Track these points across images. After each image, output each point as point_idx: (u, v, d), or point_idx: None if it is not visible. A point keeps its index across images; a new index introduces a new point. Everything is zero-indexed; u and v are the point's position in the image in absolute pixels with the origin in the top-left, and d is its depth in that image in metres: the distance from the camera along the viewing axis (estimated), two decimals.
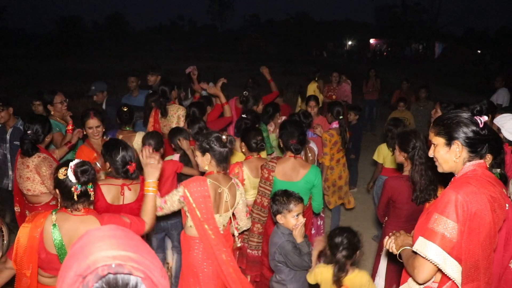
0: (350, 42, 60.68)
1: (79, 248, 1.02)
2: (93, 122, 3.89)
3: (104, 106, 5.89)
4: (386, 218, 3.54)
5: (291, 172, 3.56)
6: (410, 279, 2.15)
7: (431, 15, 48.46)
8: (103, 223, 2.39)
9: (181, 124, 4.92)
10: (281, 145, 3.70)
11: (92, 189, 2.38)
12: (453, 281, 1.91)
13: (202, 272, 2.97)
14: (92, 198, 2.41)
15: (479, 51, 39.43)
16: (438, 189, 3.21)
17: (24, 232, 2.28)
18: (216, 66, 26.58)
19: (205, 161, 2.93)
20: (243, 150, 3.90)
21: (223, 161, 2.96)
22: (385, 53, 47.19)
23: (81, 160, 2.39)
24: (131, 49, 43.99)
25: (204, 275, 2.97)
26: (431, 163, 3.17)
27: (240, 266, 3.49)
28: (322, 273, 2.86)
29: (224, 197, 2.97)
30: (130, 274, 0.94)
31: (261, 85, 6.60)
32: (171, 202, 2.85)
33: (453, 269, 1.87)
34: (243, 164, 3.76)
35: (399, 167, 3.79)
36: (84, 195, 2.34)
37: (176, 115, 5.09)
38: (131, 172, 3.08)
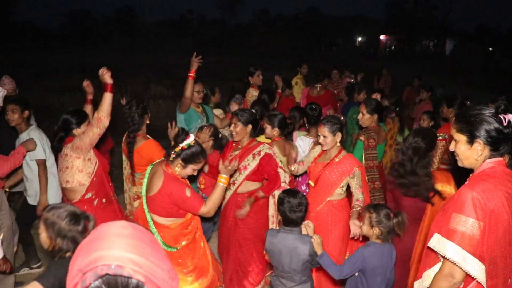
0: (359, 38, 60.29)
1: (87, 243, 1.01)
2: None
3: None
4: None
5: (379, 138, 4.30)
6: (424, 274, 2.13)
7: (442, 11, 47.91)
8: (165, 178, 2.85)
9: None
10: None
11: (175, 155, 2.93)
12: (477, 281, 1.88)
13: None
14: (171, 158, 2.91)
15: (490, 48, 38.83)
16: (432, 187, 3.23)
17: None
18: (225, 60, 26.50)
19: (336, 139, 3.49)
20: (275, 133, 4.12)
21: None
22: (388, 50, 46.48)
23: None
24: (140, 42, 44.01)
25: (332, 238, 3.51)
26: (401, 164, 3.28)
27: None
28: None
29: None
30: (129, 277, 0.91)
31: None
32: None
33: (475, 268, 1.84)
34: (273, 144, 4.09)
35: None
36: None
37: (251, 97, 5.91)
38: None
